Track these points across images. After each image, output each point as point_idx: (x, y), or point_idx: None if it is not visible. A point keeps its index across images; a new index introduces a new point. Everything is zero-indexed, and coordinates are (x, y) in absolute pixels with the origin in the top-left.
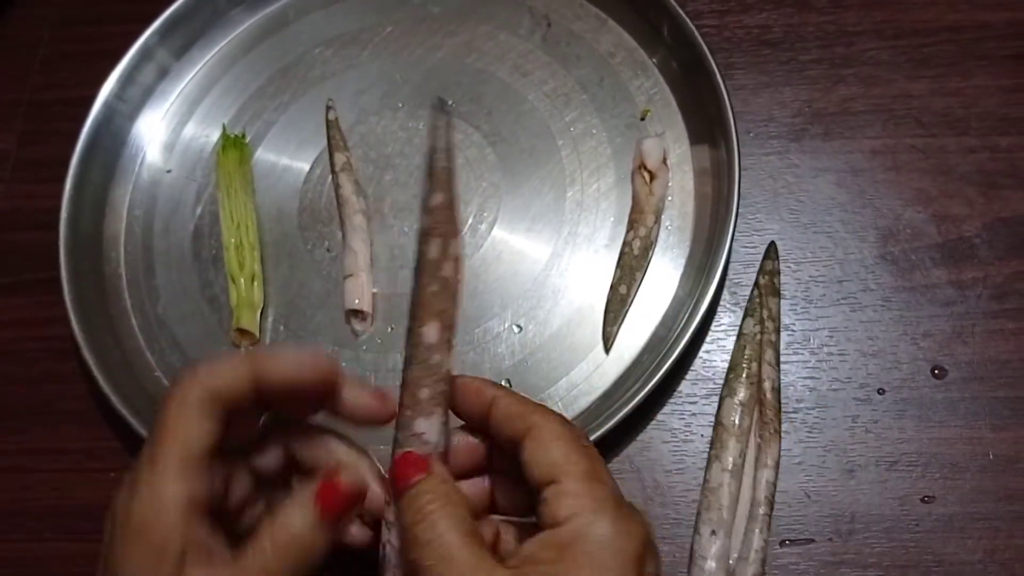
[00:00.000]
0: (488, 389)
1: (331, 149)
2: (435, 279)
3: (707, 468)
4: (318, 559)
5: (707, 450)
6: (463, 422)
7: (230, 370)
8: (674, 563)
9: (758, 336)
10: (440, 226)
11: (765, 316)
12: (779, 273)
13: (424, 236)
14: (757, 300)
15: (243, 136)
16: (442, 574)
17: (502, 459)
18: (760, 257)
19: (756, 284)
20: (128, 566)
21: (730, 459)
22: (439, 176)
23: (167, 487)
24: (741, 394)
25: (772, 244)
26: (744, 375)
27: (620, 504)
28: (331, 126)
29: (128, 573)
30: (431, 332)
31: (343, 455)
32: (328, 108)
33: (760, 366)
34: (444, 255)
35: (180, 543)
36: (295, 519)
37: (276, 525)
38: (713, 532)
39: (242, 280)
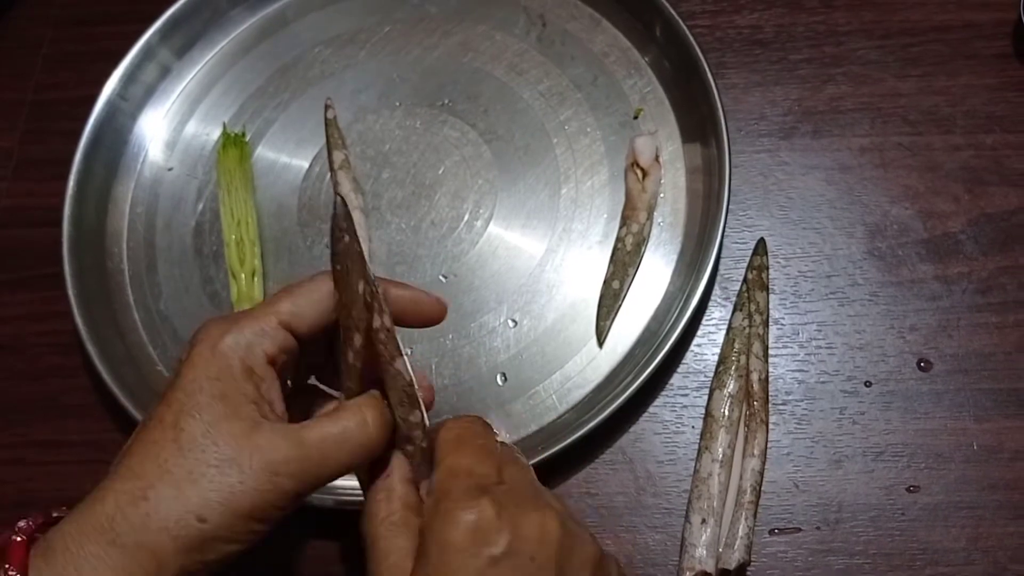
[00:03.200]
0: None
1: (329, 147)
2: (344, 360)
3: (697, 459)
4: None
5: (698, 441)
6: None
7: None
8: (665, 551)
9: (747, 330)
10: (342, 320)
11: (753, 310)
12: (767, 268)
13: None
14: (745, 294)
15: (243, 134)
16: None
17: None
18: (750, 253)
19: (744, 279)
20: (212, 409)
21: (720, 450)
22: (337, 278)
23: (266, 337)
24: (730, 386)
25: (761, 240)
26: (733, 368)
27: (468, 492)
28: (329, 124)
29: (211, 417)
30: (356, 340)
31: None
32: (327, 107)
33: (748, 359)
34: (347, 346)
35: (263, 393)
36: (369, 413)
37: (349, 407)
38: (703, 521)
39: (243, 276)
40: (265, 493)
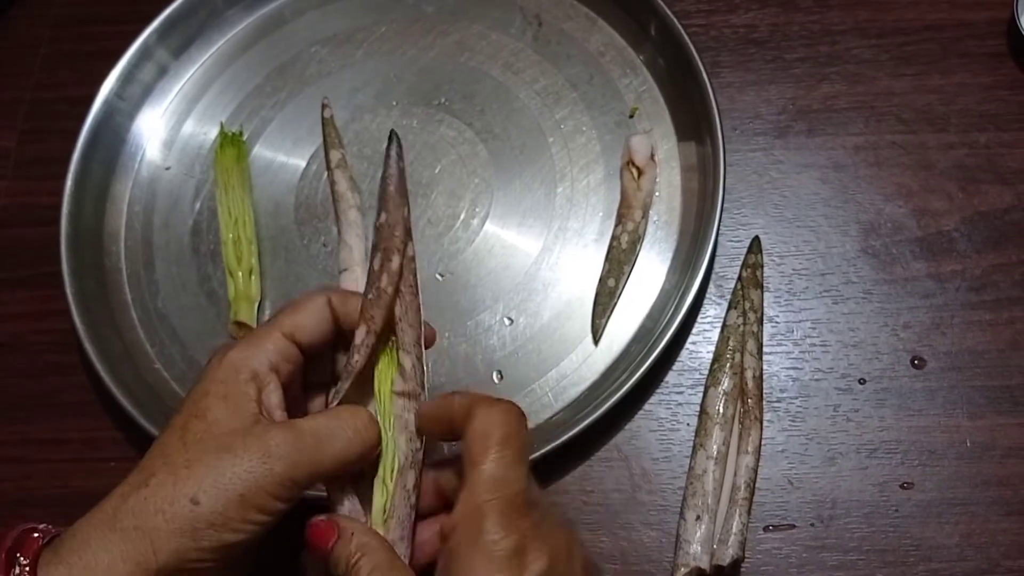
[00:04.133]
0: (448, 397)
1: (326, 146)
2: (372, 287)
3: (692, 456)
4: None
5: (693, 439)
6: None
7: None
8: (660, 548)
9: (741, 327)
10: (383, 242)
11: (747, 308)
12: (762, 266)
13: (372, 250)
14: (740, 292)
15: (240, 133)
16: None
17: None
18: (745, 251)
19: (739, 277)
20: (216, 410)
21: (714, 447)
22: (387, 199)
23: (269, 347)
24: (725, 384)
25: (756, 238)
26: (728, 365)
27: (507, 510)
28: (326, 124)
29: (214, 416)
30: (358, 334)
31: None
32: (324, 106)
33: (743, 356)
34: (383, 268)
35: (265, 398)
36: (363, 418)
37: (345, 410)
38: (698, 517)
39: (240, 274)
40: (257, 476)
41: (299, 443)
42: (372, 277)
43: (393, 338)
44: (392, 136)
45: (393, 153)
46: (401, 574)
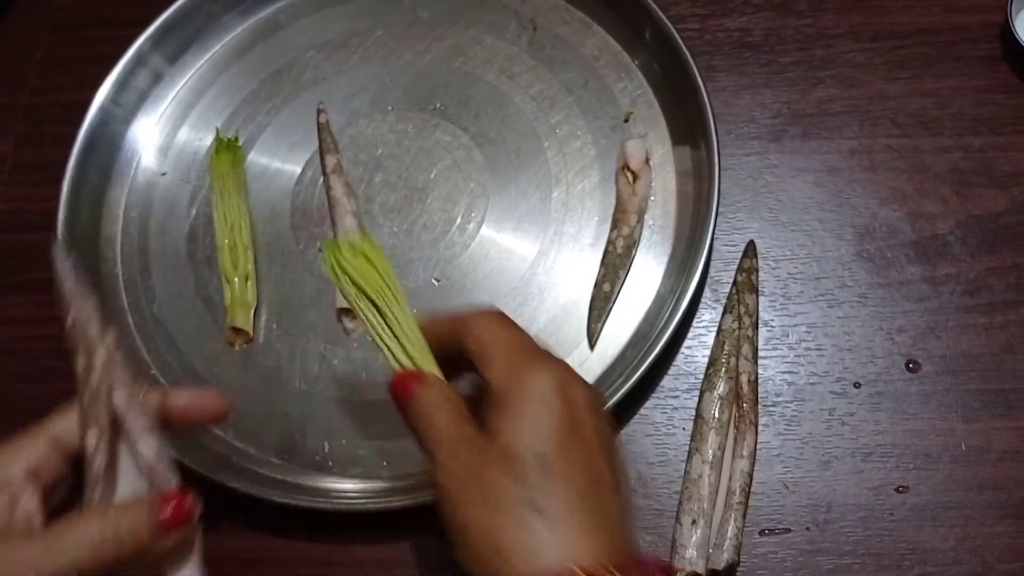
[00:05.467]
0: (441, 317)
1: (322, 152)
2: (86, 390)
3: (688, 460)
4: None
5: (688, 443)
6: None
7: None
8: (656, 552)
9: (736, 332)
10: (79, 343)
11: (742, 312)
12: (757, 270)
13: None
14: (735, 297)
15: (236, 139)
16: (436, 452)
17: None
18: (740, 255)
19: (734, 281)
20: None
21: (710, 451)
22: (67, 300)
23: (25, 454)
24: (720, 388)
25: (751, 243)
26: (723, 370)
27: (532, 357)
28: (322, 129)
29: None
30: (89, 440)
31: None
32: (319, 112)
33: (738, 361)
34: (89, 366)
35: (22, 505)
36: (133, 513)
37: (110, 513)
38: (693, 522)
39: (236, 280)
40: None
41: (31, 562)
42: (81, 379)
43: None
44: (54, 242)
45: (58, 255)
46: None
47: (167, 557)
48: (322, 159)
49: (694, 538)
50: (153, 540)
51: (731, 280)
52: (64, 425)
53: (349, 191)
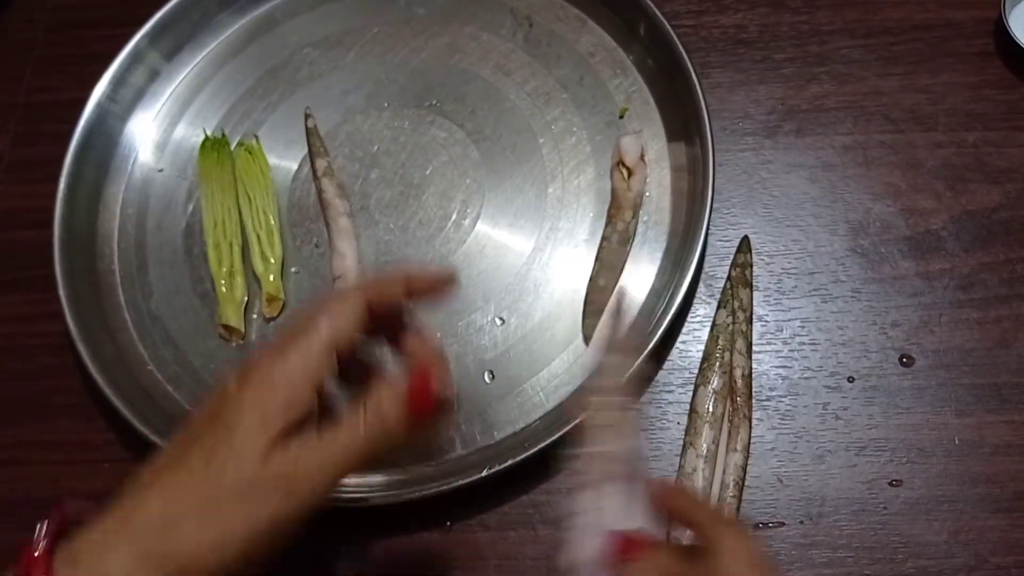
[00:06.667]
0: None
1: (312, 155)
2: None
3: (682, 454)
4: (398, 444)
5: (682, 437)
6: None
7: (386, 288)
8: None
9: (731, 327)
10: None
11: (736, 307)
12: (751, 265)
13: None
14: (729, 292)
15: (224, 137)
16: None
17: None
18: (734, 250)
19: (728, 276)
20: (239, 417)
21: (704, 445)
22: None
23: (313, 364)
24: (714, 383)
25: (745, 238)
26: (717, 364)
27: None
28: (311, 133)
29: (235, 424)
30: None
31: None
32: (307, 116)
33: (732, 355)
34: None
35: (294, 412)
36: (387, 406)
37: (368, 407)
38: None
39: (222, 279)
40: (282, 514)
41: (322, 471)
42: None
43: None
44: None
45: None
46: None
47: None
48: (312, 163)
49: (688, 531)
50: (406, 427)
51: (725, 275)
52: (338, 329)
53: (342, 192)
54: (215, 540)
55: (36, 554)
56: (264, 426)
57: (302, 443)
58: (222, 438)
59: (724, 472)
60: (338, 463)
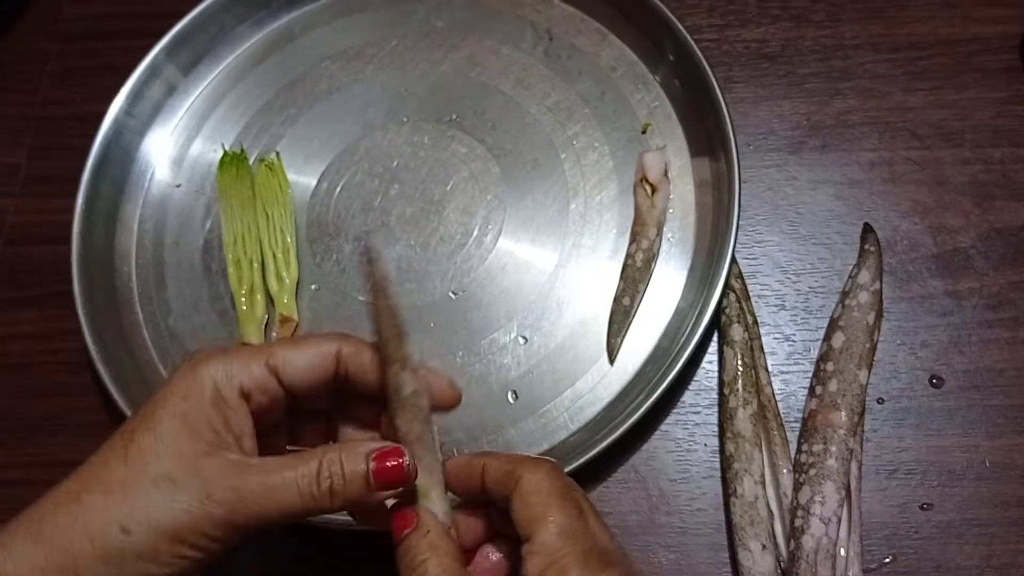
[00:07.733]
0: (476, 459)
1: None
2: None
3: (733, 481)
4: (345, 508)
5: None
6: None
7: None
8: (679, 570)
9: (749, 342)
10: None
11: (750, 322)
12: (741, 275)
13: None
14: (738, 305)
15: (243, 152)
16: None
17: (506, 523)
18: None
19: (731, 290)
20: (169, 426)
21: (758, 471)
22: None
23: (246, 371)
24: (753, 404)
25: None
26: (748, 384)
27: (588, 562)
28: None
29: (165, 433)
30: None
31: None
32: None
33: (757, 372)
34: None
35: (231, 424)
36: (351, 464)
37: (327, 458)
38: (763, 546)
39: (243, 296)
40: (194, 516)
41: (245, 490)
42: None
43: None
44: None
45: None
46: None
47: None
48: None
49: (769, 563)
50: (364, 491)
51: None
52: (287, 357)
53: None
54: (118, 519)
55: None
56: (188, 427)
57: (224, 458)
58: (145, 431)
59: (784, 495)
60: (252, 491)
